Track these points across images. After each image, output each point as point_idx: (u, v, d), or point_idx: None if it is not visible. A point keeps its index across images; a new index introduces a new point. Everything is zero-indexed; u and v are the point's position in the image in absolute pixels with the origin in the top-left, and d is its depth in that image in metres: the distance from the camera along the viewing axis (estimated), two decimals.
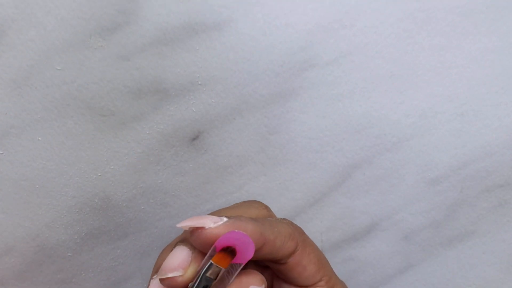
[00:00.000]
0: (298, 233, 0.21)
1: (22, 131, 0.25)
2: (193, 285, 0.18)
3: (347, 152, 0.29)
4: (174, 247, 0.20)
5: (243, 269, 0.19)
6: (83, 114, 0.25)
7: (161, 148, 0.27)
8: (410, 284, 0.33)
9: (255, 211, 0.23)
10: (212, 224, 0.19)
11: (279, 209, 0.30)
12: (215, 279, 0.19)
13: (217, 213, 0.22)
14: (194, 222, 0.19)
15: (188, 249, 0.20)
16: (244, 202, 0.24)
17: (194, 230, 0.19)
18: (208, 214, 0.20)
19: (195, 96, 0.26)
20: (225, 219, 0.19)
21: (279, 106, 0.27)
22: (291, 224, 0.22)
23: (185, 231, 0.21)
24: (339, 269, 0.31)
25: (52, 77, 0.24)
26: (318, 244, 0.31)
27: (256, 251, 0.19)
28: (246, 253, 0.19)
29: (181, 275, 0.19)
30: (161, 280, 0.19)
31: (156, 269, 0.21)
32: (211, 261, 0.18)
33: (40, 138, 0.25)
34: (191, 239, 0.19)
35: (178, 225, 0.19)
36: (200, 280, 0.18)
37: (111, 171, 0.27)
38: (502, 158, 0.30)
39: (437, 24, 0.27)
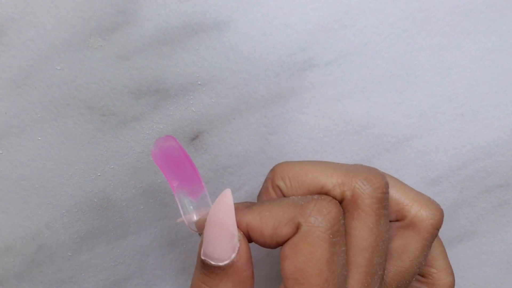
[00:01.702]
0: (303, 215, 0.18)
1: (22, 131, 0.25)
2: None
3: (347, 152, 0.29)
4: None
5: None
6: (83, 114, 0.25)
7: None
8: None
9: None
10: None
11: None
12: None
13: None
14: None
15: None
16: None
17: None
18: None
19: (195, 96, 0.26)
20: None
21: (279, 106, 0.27)
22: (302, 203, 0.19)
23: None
24: None
25: (52, 77, 0.24)
26: None
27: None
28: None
29: None
30: None
31: None
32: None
33: (40, 138, 0.25)
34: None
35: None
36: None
37: (111, 171, 0.27)
38: (502, 159, 0.30)
39: (437, 24, 0.27)
